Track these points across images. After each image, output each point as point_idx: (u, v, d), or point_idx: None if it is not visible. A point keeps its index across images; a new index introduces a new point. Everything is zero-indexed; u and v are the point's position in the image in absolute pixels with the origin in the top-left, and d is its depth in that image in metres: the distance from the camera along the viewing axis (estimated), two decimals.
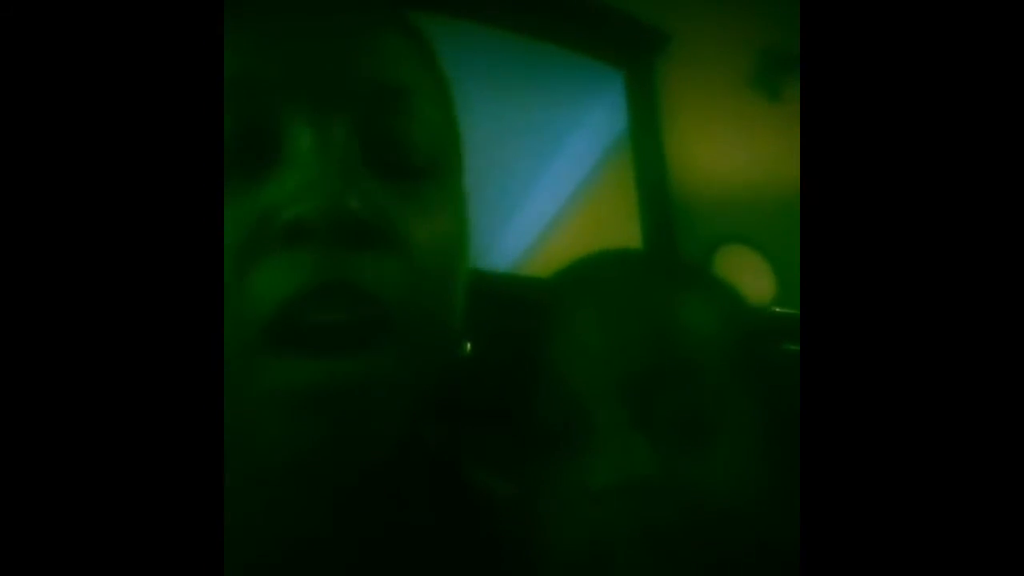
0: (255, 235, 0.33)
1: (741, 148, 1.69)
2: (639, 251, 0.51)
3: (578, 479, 0.37)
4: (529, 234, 1.74)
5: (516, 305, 0.43)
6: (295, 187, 0.33)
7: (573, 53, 1.66)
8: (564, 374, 0.39)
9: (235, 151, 0.34)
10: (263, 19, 0.36)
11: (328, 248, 0.32)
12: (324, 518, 0.37)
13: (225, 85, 0.34)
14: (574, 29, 1.65)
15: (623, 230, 1.60)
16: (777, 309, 1.52)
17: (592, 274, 0.43)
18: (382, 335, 0.33)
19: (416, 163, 0.37)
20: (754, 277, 1.55)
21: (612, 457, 0.36)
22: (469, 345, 0.45)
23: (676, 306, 0.40)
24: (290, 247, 0.32)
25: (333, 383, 0.32)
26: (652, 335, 0.39)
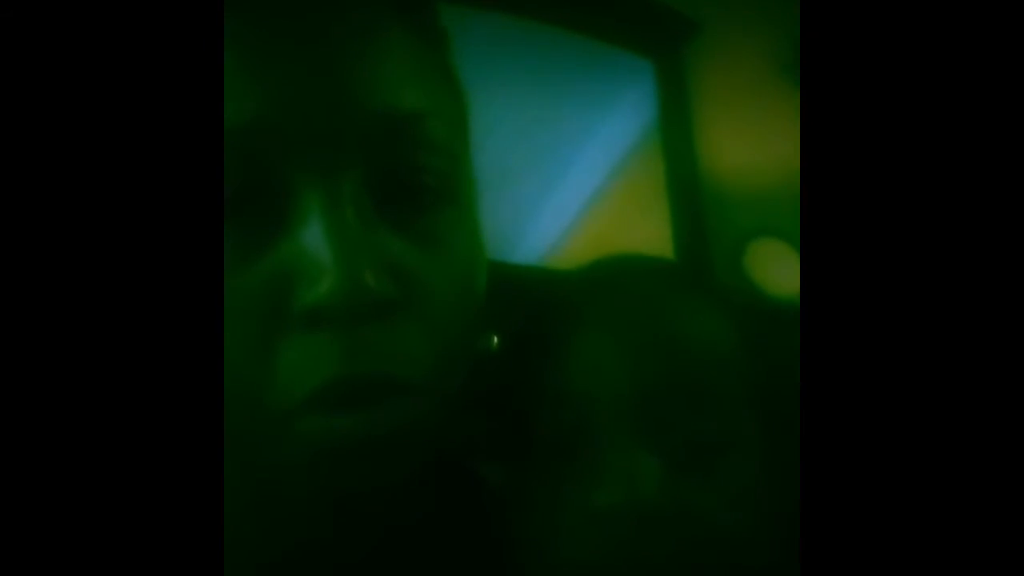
0: (270, 313, 0.32)
1: (772, 138, 1.67)
2: (659, 259, 0.50)
3: (583, 496, 0.36)
4: (558, 224, 1.73)
5: (540, 300, 0.43)
6: (309, 263, 0.32)
7: (603, 43, 1.65)
8: (577, 386, 0.38)
9: (236, 205, 0.32)
10: (257, 51, 0.33)
11: (350, 332, 0.32)
12: (324, 522, 0.37)
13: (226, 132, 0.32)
14: (604, 18, 1.64)
15: (653, 221, 1.59)
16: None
17: (609, 282, 0.42)
18: (402, 398, 0.33)
19: (430, 187, 0.35)
20: (785, 271, 1.54)
21: (618, 477, 0.36)
22: (496, 339, 0.44)
23: (693, 323, 0.39)
24: (311, 332, 0.32)
25: (345, 441, 0.32)
26: (666, 353, 0.38)
